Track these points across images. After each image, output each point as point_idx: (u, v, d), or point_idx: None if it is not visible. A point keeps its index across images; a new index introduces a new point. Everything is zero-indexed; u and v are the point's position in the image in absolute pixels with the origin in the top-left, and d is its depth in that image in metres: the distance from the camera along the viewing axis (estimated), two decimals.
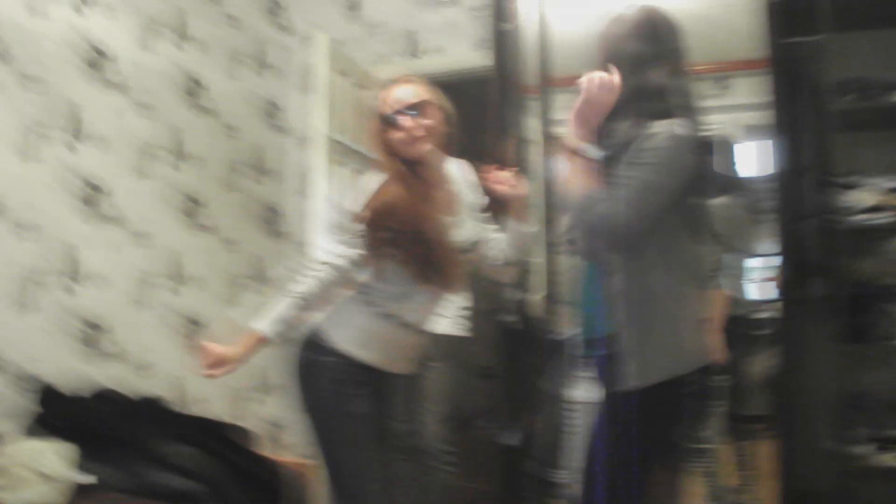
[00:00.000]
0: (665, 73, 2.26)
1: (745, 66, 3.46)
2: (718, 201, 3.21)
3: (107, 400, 3.10)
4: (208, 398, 4.41)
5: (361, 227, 2.47)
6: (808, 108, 3.44)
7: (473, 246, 2.61)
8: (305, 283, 2.45)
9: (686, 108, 2.27)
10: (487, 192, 2.73)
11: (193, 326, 4.36)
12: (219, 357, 2.35)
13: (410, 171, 2.52)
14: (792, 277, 3.33)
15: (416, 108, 2.50)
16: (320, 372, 2.53)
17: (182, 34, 4.39)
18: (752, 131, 3.51)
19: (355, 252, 2.48)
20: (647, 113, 2.22)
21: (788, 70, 3.36)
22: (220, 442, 3.08)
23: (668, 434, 2.28)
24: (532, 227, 2.75)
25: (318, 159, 4.14)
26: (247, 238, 4.77)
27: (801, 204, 3.40)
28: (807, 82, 3.47)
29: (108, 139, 3.90)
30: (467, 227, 2.60)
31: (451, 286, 2.56)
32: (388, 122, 2.52)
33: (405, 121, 2.49)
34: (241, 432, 3.25)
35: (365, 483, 2.48)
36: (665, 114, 2.22)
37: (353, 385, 2.50)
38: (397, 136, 2.51)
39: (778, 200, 3.32)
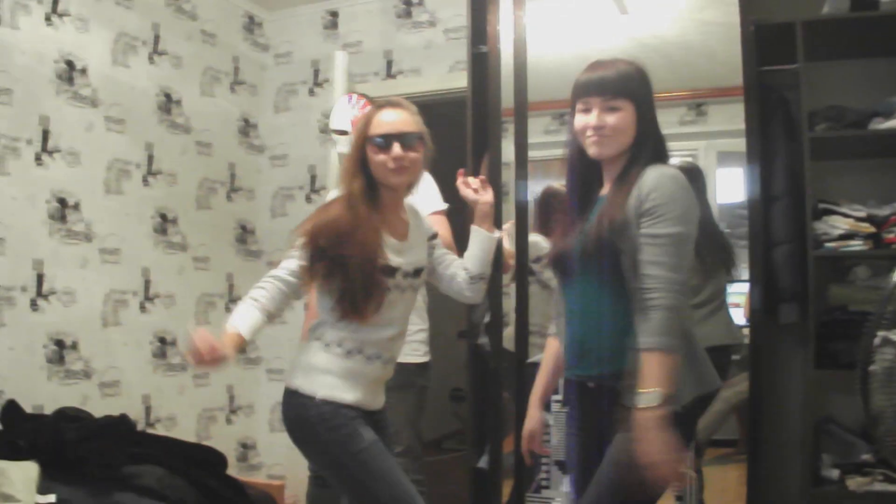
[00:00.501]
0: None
1: (721, 93, 3.48)
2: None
3: (71, 419, 3.05)
4: (175, 418, 4.37)
5: (302, 243, 2.45)
6: (782, 135, 3.48)
7: (417, 273, 2.56)
8: (258, 292, 2.41)
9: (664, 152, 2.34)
10: (460, 195, 2.78)
11: (162, 345, 4.32)
12: (214, 348, 2.26)
13: (371, 195, 2.50)
14: (763, 303, 3.35)
15: (409, 139, 2.48)
16: (314, 427, 2.49)
17: (155, 49, 4.36)
18: (727, 158, 3.53)
19: (298, 266, 2.46)
20: (647, 158, 2.26)
21: (764, 97, 3.39)
22: (187, 462, 3.03)
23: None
24: (498, 235, 2.76)
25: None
26: (218, 256, 4.73)
27: (773, 231, 3.43)
28: (782, 110, 3.51)
29: (77, 153, 3.86)
30: (414, 253, 2.57)
31: (367, 317, 2.45)
32: (376, 144, 2.47)
33: (395, 148, 2.45)
34: (209, 453, 3.20)
35: (407, 500, 2.45)
36: (659, 158, 2.28)
37: (349, 423, 2.45)
38: (380, 159, 2.47)
39: (751, 227, 3.33)
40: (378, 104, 2.59)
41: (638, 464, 2.06)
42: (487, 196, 2.73)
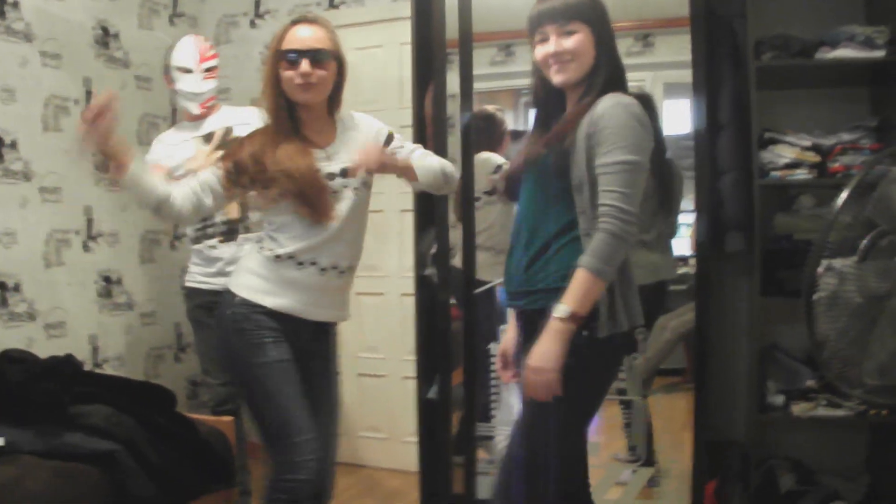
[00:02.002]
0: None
1: (668, 24, 3.46)
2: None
3: (16, 361, 3.00)
4: (122, 358, 4.33)
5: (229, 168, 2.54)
6: (729, 65, 3.47)
7: (345, 172, 2.54)
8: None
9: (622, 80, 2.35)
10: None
11: (107, 284, 4.26)
12: (98, 109, 2.26)
13: (289, 112, 2.55)
14: (709, 233, 3.37)
15: (317, 55, 2.48)
16: (228, 324, 2.56)
17: None
18: (674, 89, 3.52)
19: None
20: (604, 85, 2.27)
21: (711, 28, 3.38)
22: (134, 401, 3.01)
23: (605, 387, 2.37)
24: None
25: None
26: None
27: (719, 160, 3.44)
28: (728, 40, 3.50)
29: (12, 90, 3.74)
30: (340, 156, 2.57)
31: (326, 216, 2.50)
32: (285, 59, 2.49)
33: (303, 64, 2.46)
34: (157, 391, 3.18)
35: (289, 431, 2.47)
36: (617, 86, 2.29)
37: (260, 333, 2.50)
38: (288, 75, 2.49)
39: (696, 158, 3.35)
40: (293, 19, 2.58)
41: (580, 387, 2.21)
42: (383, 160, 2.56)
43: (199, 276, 3.61)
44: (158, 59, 4.54)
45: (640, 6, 2.25)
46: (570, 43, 2.27)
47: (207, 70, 3.64)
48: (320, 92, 2.54)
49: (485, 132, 3.69)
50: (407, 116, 3.87)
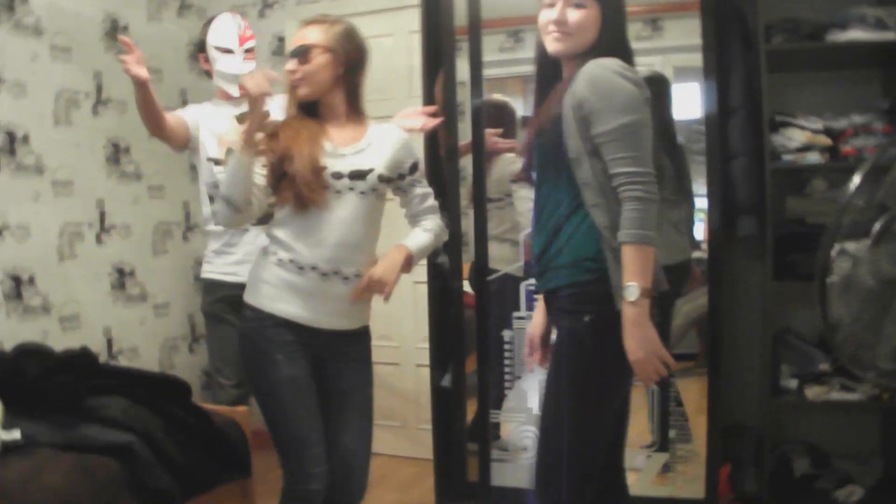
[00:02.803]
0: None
1: (677, 8, 3.44)
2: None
3: (32, 354, 3.01)
4: (137, 349, 4.35)
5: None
6: (739, 49, 3.46)
7: (354, 176, 2.54)
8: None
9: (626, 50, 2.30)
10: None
11: (120, 276, 4.28)
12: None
13: (304, 108, 2.62)
14: (721, 217, 3.36)
15: (299, 53, 2.55)
16: (242, 339, 2.62)
17: None
18: (684, 73, 3.51)
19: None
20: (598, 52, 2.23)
21: (720, 11, 3.36)
22: (150, 392, 3.02)
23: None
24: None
25: None
26: (173, 184, 4.66)
27: (730, 144, 3.43)
28: (738, 23, 3.48)
29: (23, 84, 3.76)
30: (354, 160, 2.57)
31: (305, 206, 2.49)
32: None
33: (290, 63, 2.56)
34: (173, 382, 3.19)
35: (300, 445, 2.54)
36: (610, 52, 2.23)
37: (272, 349, 2.53)
38: (287, 77, 2.59)
39: (708, 142, 3.33)
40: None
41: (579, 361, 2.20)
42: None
43: (220, 267, 3.52)
44: (168, 51, 4.56)
45: None
46: (575, 16, 2.22)
47: (247, 51, 3.56)
48: (311, 85, 2.57)
49: (495, 120, 3.68)
50: (417, 105, 3.86)
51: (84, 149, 4.07)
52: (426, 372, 3.94)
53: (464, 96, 3.61)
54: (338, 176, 2.51)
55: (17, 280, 3.68)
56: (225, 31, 3.52)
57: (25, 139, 3.75)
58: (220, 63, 3.52)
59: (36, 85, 3.82)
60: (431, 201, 2.74)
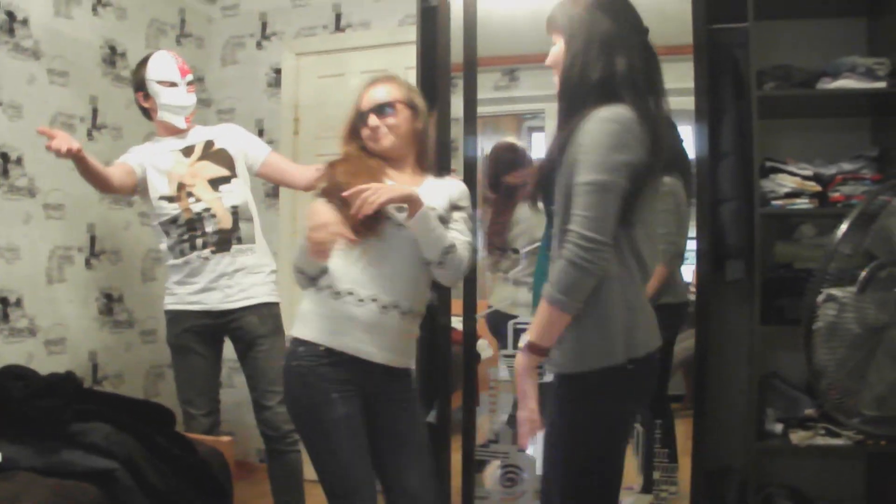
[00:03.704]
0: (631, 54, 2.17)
1: (671, 51, 3.47)
2: (667, 180, 3.24)
3: (16, 377, 2.99)
4: (122, 375, 4.33)
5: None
6: (731, 94, 3.49)
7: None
8: None
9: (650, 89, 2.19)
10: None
11: (108, 301, 4.27)
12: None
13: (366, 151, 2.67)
14: (710, 260, 3.38)
15: (385, 107, 2.63)
16: (293, 378, 2.59)
17: (99, 0, 4.25)
18: (677, 116, 3.53)
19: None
20: (580, 99, 2.14)
21: (713, 56, 3.40)
22: (134, 419, 3.00)
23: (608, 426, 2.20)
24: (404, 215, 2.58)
25: None
26: None
27: (720, 188, 3.46)
28: (731, 69, 3.52)
29: (19, 107, 3.76)
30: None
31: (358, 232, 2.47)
32: (360, 119, 2.66)
33: (372, 119, 2.62)
34: (157, 409, 3.18)
35: (346, 486, 2.51)
36: (605, 98, 2.11)
37: (327, 388, 2.51)
38: (365, 132, 2.65)
39: (698, 185, 3.36)
40: (364, 82, 2.76)
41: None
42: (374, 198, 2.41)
43: (185, 297, 3.51)
44: None
45: None
46: (550, 55, 2.24)
47: (189, 83, 3.62)
48: (396, 137, 2.65)
49: (511, 164, 3.70)
50: None
51: (77, 173, 4.07)
52: None
53: (457, 133, 3.63)
54: (400, 209, 2.52)
55: (4, 301, 3.67)
56: (164, 65, 3.57)
57: (19, 161, 3.75)
58: (165, 96, 3.55)
59: (32, 107, 3.82)
60: (466, 238, 2.67)
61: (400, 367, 2.65)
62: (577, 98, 2.14)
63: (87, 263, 4.15)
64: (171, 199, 3.50)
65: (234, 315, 3.50)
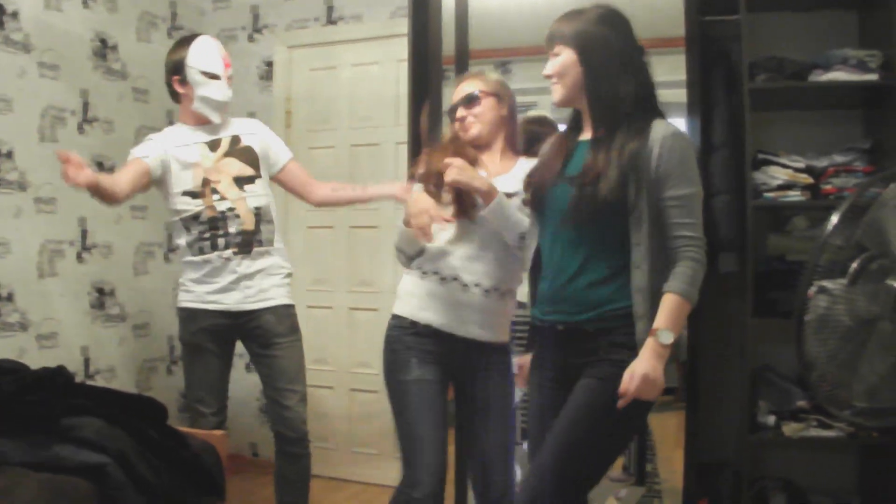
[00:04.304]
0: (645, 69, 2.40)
1: (663, 44, 3.47)
2: None
3: (7, 371, 2.99)
4: (114, 369, 4.33)
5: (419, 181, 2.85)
6: (723, 86, 3.49)
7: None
8: None
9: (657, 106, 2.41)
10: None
11: (100, 296, 4.26)
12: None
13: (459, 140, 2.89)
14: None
15: (468, 100, 2.85)
16: (385, 344, 2.86)
17: None
18: (669, 109, 3.52)
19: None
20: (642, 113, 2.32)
21: (705, 48, 3.40)
22: (126, 413, 2.99)
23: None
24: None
25: None
26: (156, 204, 4.63)
27: (713, 180, 3.45)
28: (723, 61, 3.52)
29: (10, 100, 3.75)
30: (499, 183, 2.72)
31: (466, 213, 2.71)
32: (451, 113, 2.90)
33: (460, 111, 2.86)
34: (149, 403, 3.17)
35: (413, 448, 2.71)
36: (655, 112, 2.36)
37: (408, 353, 2.76)
38: (456, 124, 2.89)
39: None
40: (456, 80, 3.01)
41: (611, 406, 2.21)
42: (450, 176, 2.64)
43: (202, 296, 3.41)
44: (156, 71, 4.56)
45: (637, 26, 2.27)
46: (552, 66, 2.37)
47: (229, 77, 3.48)
48: (481, 124, 2.86)
49: (539, 139, 3.54)
50: (403, 133, 3.89)
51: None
52: None
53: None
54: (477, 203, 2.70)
55: None
56: (209, 54, 3.42)
57: (10, 155, 3.74)
58: (206, 89, 3.38)
59: (22, 101, 3.81)
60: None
61: (486, 341, 2.80)
62: (616, 112, 2.33)
63: (79, 257, 4.15)
64: (194, 195, 3.36)
65: (251, 315, 3.42)
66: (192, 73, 3.38)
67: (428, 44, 3.64)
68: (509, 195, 2.68)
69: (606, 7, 2.39)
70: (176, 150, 3.39)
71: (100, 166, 4.25)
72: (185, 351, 3.57)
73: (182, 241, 3.43)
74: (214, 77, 3.40)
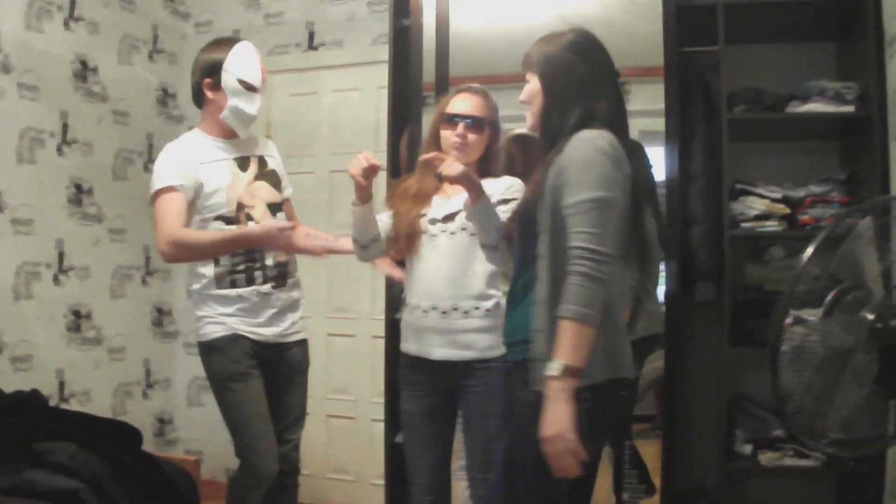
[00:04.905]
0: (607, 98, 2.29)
1: (643, 73, 3.50)
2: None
3: None
4: (90, 393, 4.29)
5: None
6: (701, 116, 3.52)
7: (447, 218, 2.79)
8: None
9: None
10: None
11: (76, 318, 4.23)
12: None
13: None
14: (680, 281, 3.39)
15: (475, 121, 2.80)
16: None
17: (71, 14, 4.23)
18: (649, 137, 3.56)
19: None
20: (559, 131, 2.24)
21: (684, 78, 3.43)
22: (100, 438, 2.97)
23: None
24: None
25: None
26: (134, 227, 4.63)
27: (691, 210, 3.47)
28: (702, 91, 3.54)
29: None
30: (452, 205, 2.80)
31: (400, 255, 2.90)
32: (447, 121, 2.83)
33: (460, 127, 2.79)
34: (124, 428, 3.15)
35: (408, 473, 2.91)
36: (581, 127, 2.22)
37: (404, 386, 2.90)
38: (446, 134, 2.82)
39: (668, 206, 3.37)
40: (458, 88, 2.94)
41: (531, 443, 2.06)
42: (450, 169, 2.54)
43: (239, 326, 3.06)
44: (136, 94, 4.56)
45: (617, 54, 2.28)
46: (524, 92, 2.34)
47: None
48: (472, 153, 2.83)
49: (522, 158, 3.36)
50: (382, 160, 3.88)
51: (46, 188, 4.05)
52: (380, 427, 3.90)
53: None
54: (432, 222, 2.82)
55: None
56: (250, 63, 3.12)
57: None
58: (240, 100, 3.07)
59: (1, 122, 3.80)
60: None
61: (461, 360, 2.77)
62: (557, 138, 2.23)
63: (56, 279, 4.12)
64: (228, 221, 3.07)
65: (281, 347, 3.18)
66: (229, 78, 3.06)
67: (408, 71, 3.66)
68: (452, 214, 2.78)
69: (579, 32, 2.31)
70: (203, 167, 3.07)
71: (78, 188, 4.23)
72: (225, 387, 3.10)
73: (208, 270, 3.09)
74: (252, 89, 3.09)
